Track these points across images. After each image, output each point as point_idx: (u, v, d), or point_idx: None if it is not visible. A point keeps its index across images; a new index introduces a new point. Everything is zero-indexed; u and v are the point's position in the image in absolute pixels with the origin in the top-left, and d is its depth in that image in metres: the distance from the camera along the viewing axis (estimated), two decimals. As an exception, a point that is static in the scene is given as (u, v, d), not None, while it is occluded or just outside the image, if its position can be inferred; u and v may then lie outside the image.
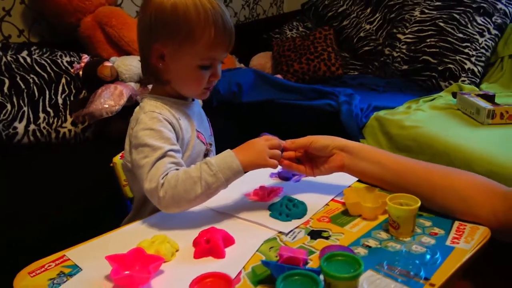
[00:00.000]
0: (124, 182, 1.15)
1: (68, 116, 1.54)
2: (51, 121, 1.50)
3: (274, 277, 0.58)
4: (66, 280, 0.65)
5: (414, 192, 0.74)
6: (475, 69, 2.00)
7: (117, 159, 1.14)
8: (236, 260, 0.66)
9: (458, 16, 2.09)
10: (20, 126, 1.43)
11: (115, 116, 1.51)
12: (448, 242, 0.69)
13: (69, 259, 0.71)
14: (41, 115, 1.49)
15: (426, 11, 2.20)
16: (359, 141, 1.71)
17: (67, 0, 1.85)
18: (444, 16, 2.13)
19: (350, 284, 0.54)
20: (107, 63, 1.59)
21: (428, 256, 0.66)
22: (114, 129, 1.52)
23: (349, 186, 0.90)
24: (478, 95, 1.67)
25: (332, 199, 0.86)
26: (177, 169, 0.79)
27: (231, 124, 1.91)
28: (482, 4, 2.09)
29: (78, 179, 1.39)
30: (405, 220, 0.70)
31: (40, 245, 1.22)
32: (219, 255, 0.68)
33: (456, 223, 0.75)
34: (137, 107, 0.91)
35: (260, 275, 0.61)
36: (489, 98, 1.64)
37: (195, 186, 0.76)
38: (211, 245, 0.69)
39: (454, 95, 1.80)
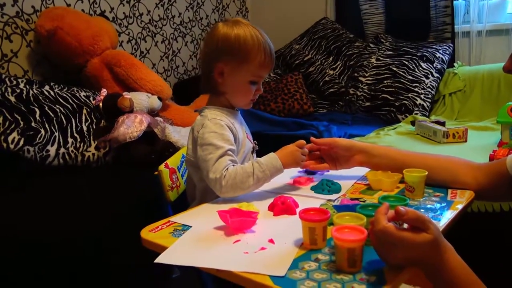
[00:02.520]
0: (167, 187, 1.35)
1: (92, 142, 1.71)
2: (78, 145, 1.66)
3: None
4: (183, 233, 0.85)
5: None
6: (425, 104, 2.43)
7: (162, 167, 1.33)
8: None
9: (407, 62, 2.55)
10: (52, 149, 1.58)
11: (136, 141, 1.70)
12: (448, 198, 0.98)
13: (175, 222, 0.91)
14: (70, 139, 1.64)
15: (381, 58, 2.66)
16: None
17: (78, 44, 2.06)
18: (396, 62, 2.58)
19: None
20: (127, 96, 1.80)
21: (438, 205, 0.94)
22: (135, 152, 1.70)
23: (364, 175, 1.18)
24: (432, 122, 2.06)
25: (355, 182, 1.13)
26: (233, 165, 1.03)
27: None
28: (424, 53, 2.57)
29: (103, 197, 1.55)
30: (419, 184, 0.98)
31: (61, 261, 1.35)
32: (292, 212, 0.92)
33: (449, 190, 1.04)
34: (199, 116, 1.15)
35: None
36: (441, 123, 2.04)
37: (249, 178, 1.01)
38: (285, 206, 0.92)
39: (412, 123, 2.19)
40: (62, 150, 1.61)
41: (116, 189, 1.54)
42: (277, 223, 0.88)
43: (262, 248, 0.76)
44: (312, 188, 1.08)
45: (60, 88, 1.87)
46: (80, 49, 2.06)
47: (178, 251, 0.77)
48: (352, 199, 0.99)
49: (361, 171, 1.19)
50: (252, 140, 1.22)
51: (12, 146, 1.48)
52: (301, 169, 1.26)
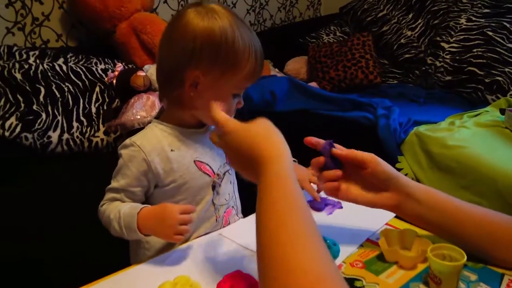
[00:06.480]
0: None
1: (101, 126, 1.54)
2: (84, 130, 1.51)
3: None
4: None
5: (475, 244, 0.69)
6: (526, 83, 1.87)
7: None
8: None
9: (508, 25, 1.96)
10: (54, 135, 1.45)
11: (147, 127, 1.50)
12: (499, 299, 0.63)
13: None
14: (75, 124, 1.50)
15: (473, 18, 2.08)
16: (396, 158, 1.64)
17: (103, 7, 1.86)
18: (493, 24, 2.00)
19: None
20: (140, 73, 1.58)
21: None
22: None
23: (386, 223, 0.85)
24: (530, 113, 1.55)
25: (367, 239, 0.81)
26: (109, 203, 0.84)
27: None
28: (536, 12, 1.95)
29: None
30: (449, 276, 0.64)
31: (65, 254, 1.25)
32: (244, 303, 0.64)
33: (506, 279, 0.68)
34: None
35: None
36: (542, 117, 1.52)
37: (111, 225, 0.81)
38: (235, 292, 0.65)
39: (502, 111, 1.68)
40: (66, 136, 1.47)
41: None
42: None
43: None
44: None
45: (76, 60, 1.71)
46: (105, 12, 1.87)
47: None
48: (346, 277, 0.68)
49: (385, 216, 0.86)
50: (215, 172, 0.88)
51: (7, 134, 1.37)
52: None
